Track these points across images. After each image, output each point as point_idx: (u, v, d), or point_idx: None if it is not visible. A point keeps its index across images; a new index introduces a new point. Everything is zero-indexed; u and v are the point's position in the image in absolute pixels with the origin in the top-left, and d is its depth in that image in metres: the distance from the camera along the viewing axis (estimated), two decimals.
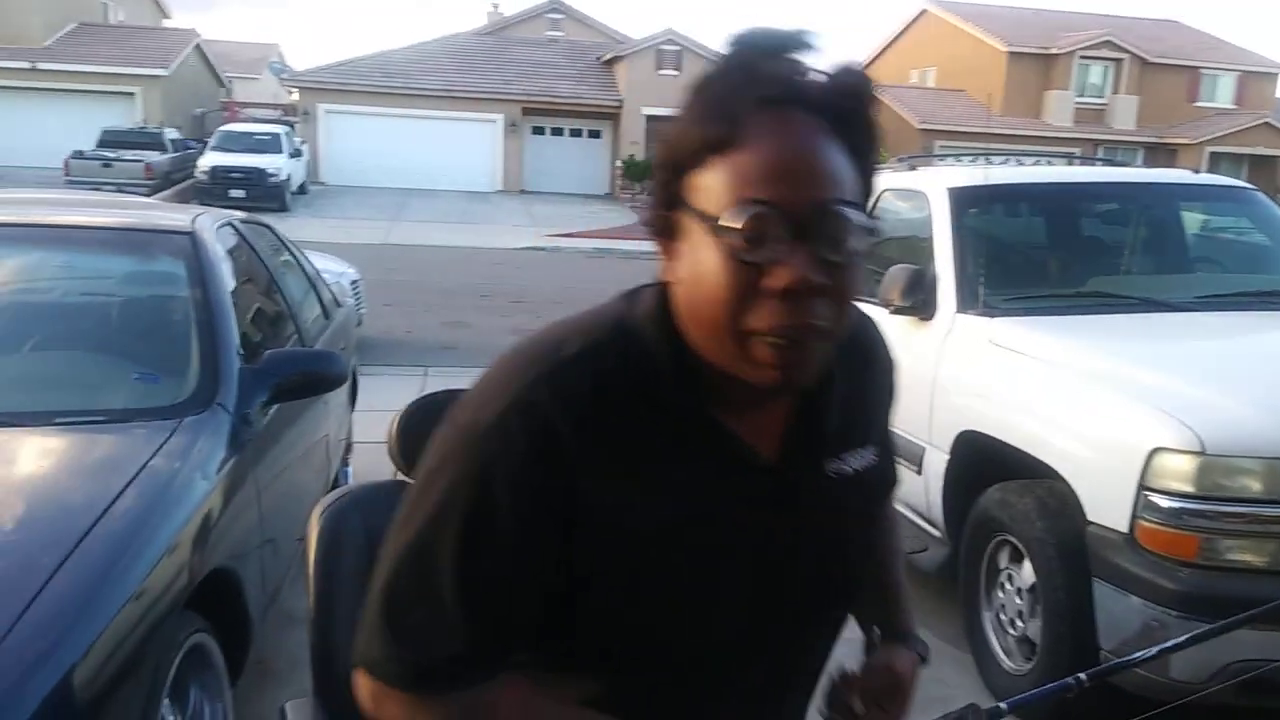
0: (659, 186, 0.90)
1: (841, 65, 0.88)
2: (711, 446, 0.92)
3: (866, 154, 0.88)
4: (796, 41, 0.87)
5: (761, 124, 0.83)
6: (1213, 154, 31.79)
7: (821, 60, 0.87)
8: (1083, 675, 1.14)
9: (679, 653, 0.94)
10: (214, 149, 23.13)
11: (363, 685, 0.93)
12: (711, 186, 0.84)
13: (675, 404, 0.90)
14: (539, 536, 0.88)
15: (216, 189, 21.00)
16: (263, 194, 21.39)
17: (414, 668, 0.90)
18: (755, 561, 0.95)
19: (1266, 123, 32.58)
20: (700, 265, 0.85)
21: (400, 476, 1.65)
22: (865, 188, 0.89)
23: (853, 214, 0.83)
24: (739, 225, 0.81)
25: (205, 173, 22.00)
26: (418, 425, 1.88)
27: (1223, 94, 34.32)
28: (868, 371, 1.06)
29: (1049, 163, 5.66)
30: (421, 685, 0.90)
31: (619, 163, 29.59)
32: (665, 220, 0.90)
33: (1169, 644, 1.32)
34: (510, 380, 0.90)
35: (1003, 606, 3.23)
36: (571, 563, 0.89)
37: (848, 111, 0.86)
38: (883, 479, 1.09)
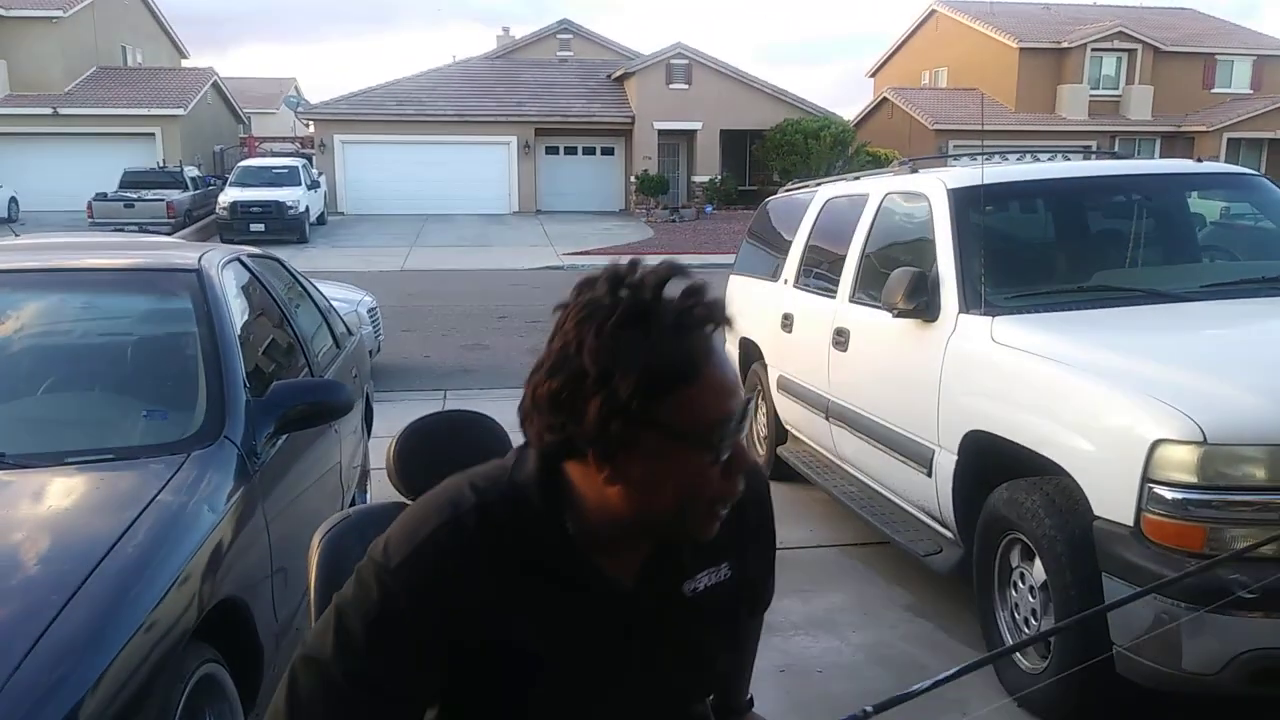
0: (614, 414, 1.00)
1: (696, 282, 1.06)
2: (580, 583, 1.11)
3: None
4: (677, 269, 1.06)
5: (715, 353, 1.03)
6: (1231, 140, 31.46)
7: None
8: (869, 708, 1.26)
9: None
10: (233, 185, 23.51)
11: None
12: (686, 407, 1.01)
13: (551, 555, 1.10)
14: (425, 658, 1.07)
15: (237, 224, 21.36)
16: (282, 226, 21.72)
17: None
18: (622, 670, 1.14)
19: None
20: (672, 471, 1.04)
21: (400, 499, 1.68)
22: None
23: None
24: (724, 440, 1.03)
25: (225, 208, 22.35)
26: (414, 449, 1.92)
27: (1239, 79, 33.98)
28: (752, 518, 1.28)
29: (1065, 158, 5.65)
30: None
31: (633, 178, 29.71)
32: (608, 440, 1.02)
33: (949, 672, 1.39)
34: (417, 529, 1.10)
35: (1016, 605, 3.22)
36: (459, 679, 1.09)
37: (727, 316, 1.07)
38: (743, 593, 1.28)
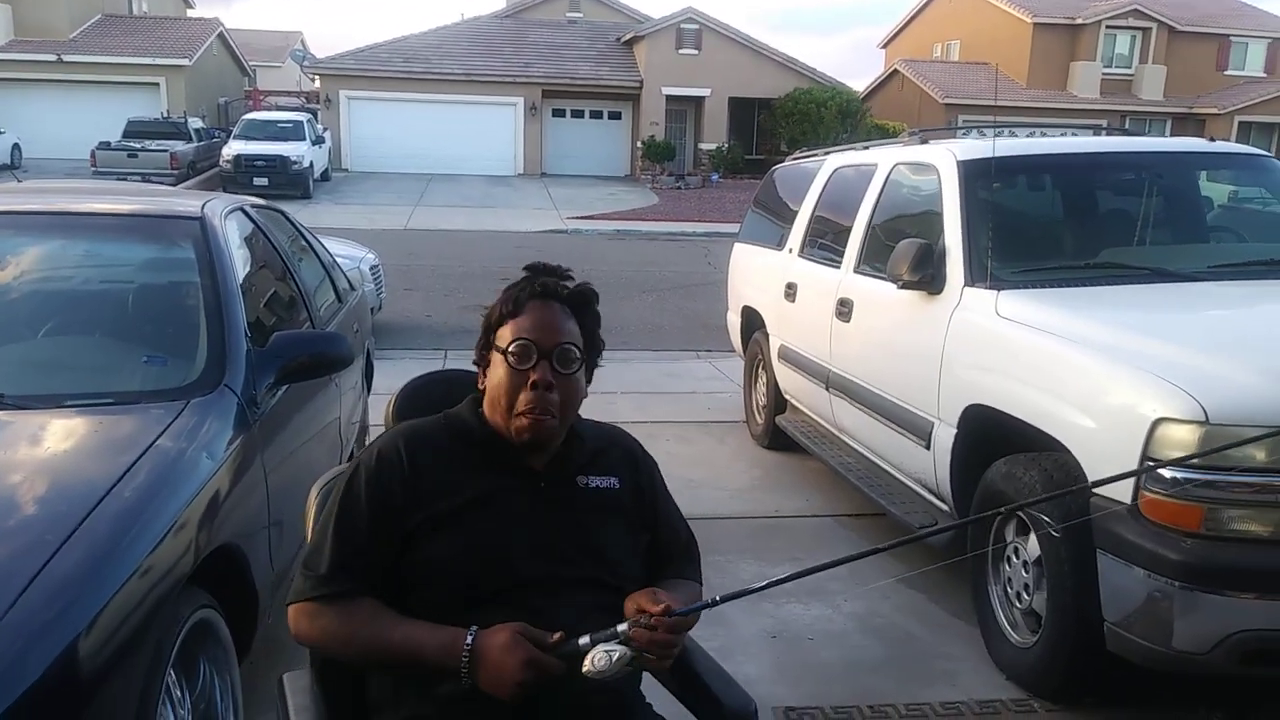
0: (481, 339, 1.70)
1: (580, 283, 1.72)
2: (501, 463, 1.66)
3: (591, 326, 1.71)
4: (562, 271, 1.72)
5: (533, 306, 1.65)
6: (1242, 123, 31.23)
7: (572, 281, 1.72)
8: (717, 598, 1.53)
9: (483, 585, 1.56)
10: (238, 137, 23.34)
11: (289, 616, 1.60)
12: (505, 334, 1.65)
13: (478, 442, 1.67)
14: (382, 507, 1.59)
15: (241, 177, 21.21)
16: (286, 181, 21.58)
17: (311, 581, 1.58)
18: (529, 528, 1.62)
19: None
20: (496, 375, 1.65)
21: None
22: (589, 343, 1.70)
23: (573, 349, 1.65)
24: (514, 350, 1.62)
25: (229, 161, 22.21)
26: (412, 406, 1.93)
27: (1253, 62, 33.67)
28: (627, 454, 1.81)
29: (1074, 134, 5.60)
30: (316, 592, 1.56)
31: (639, 143, 29.52)
32: (482, 357, 1.70)
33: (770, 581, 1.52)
34: (385, 436, 1.71)
35: (1009, 580, 3.23)
36: (407, 526, 1.59)
37: (581, 303, 1.70)
38: (626, 502, 1.74)
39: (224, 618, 2.24)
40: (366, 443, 4.92)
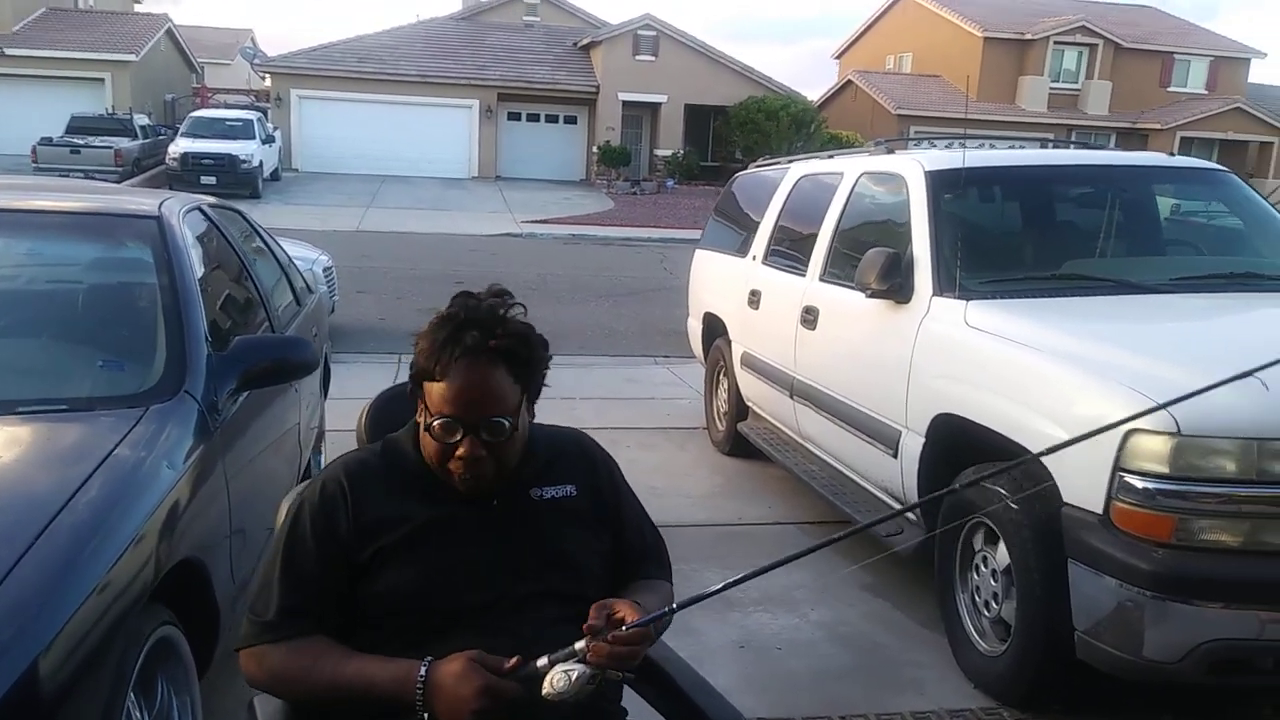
0: (412, 377, 1.59)
1: (516, 323, 1.58)
2: (440, 487, 1.59)
3: (527, 372, 1.59)
4: (494, 309, 1.57)
5: (458, 370, 1.52)
6: (1184, 139, 32.03)
7: (509, 303, 1.60)
8: (674, 605, 1.49)
9: (439, 613, 1.51)
10: (185, 135, 22.84)
11: (240, 661, 1.54)
12: (430, 396, 1.56)
13: (416, 474, 1.61)
14: (329, 544, 1.55)
15: (188, 175, 20.76)
16: (235, 180, 21.15)
17: (259, 625, 1.53)
18: (482, 549, 1.57)
19: (1238, 107, 32.87)
20: (426, 430, 1.57)
21: None
22: (525, 389, 1.59)
23: (501, 422, 1.54)
24: (437, 426, 1.54)
25: (176, 159, 21.74)
26: (386, 414, 1.87)
27: (1195, 79, 34.58)
28: (583, 457, 1.75)
29: (1022, 148, 5.67)
30: (264, 635, 1.52)
31: (595, 149, 29.48)
32: (414, 395, 1.61)
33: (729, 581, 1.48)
34: (326, 470, 1.65)
35: (977, 589, 3.23)
36: (356, 561, 1.55)
37: (514, 350, 1.56)
38: (584, 507, 1.68)
39: (185, 634, 2.15)
40: (322, 450, 4.85)
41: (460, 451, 1.53)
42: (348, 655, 1.49)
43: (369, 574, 1.54)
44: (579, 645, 1.41)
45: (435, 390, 1.54)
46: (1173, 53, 34.30)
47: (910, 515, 3.76)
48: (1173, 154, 4.67)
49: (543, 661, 1.41)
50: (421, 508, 1.57)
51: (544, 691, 1.38)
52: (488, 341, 1.53)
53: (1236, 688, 2.99)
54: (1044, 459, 2.85)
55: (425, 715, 1.41)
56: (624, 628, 1.41)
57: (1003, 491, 2.96)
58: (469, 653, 1.42)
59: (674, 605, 1.49)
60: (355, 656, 1.49)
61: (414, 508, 1.57)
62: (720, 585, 1.48)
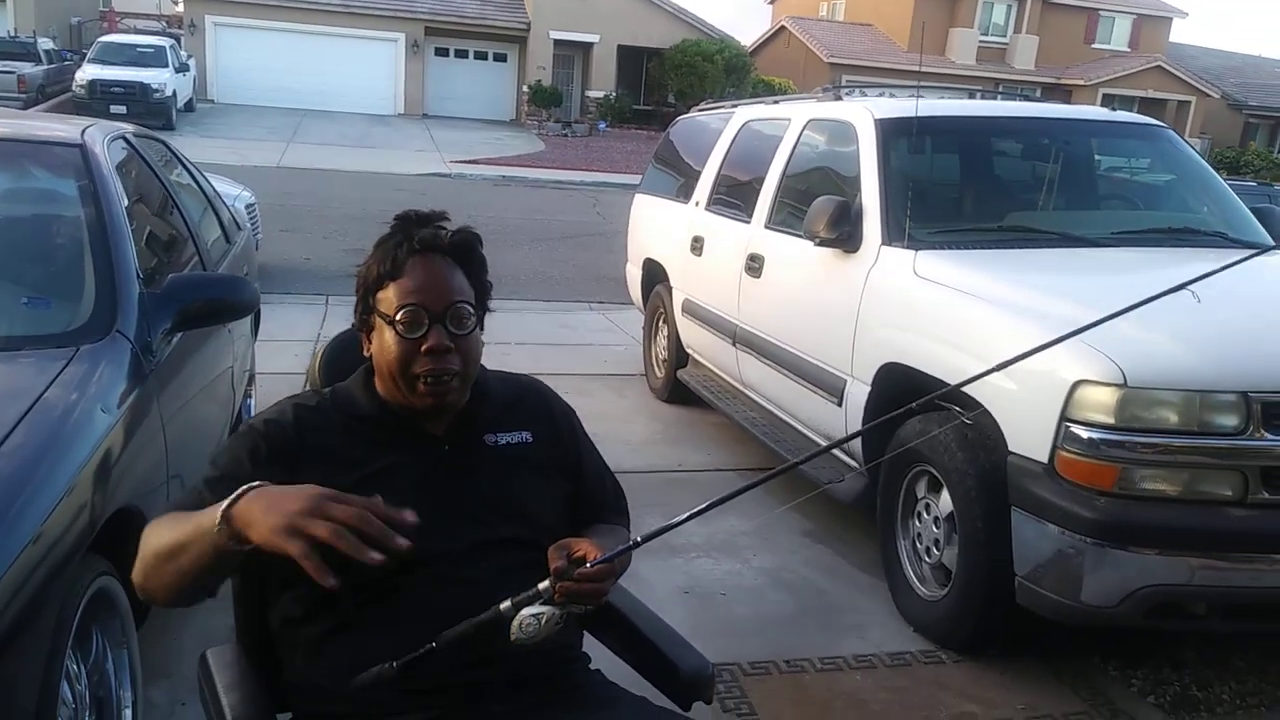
0: (359, 302, 1.54)
1: (460, 228, 1.56)
2: (397, 436, 1.53)
3: (479, 274, 1.57)
4: (437, 216, 1.55)
5: (415, 264, 1.49)
6: (1106, 95, 32.68)
7: (449, 225, 1.55)
8: (639, 538, 1.44)
9: (388, 565, 1.27)
10: (93, 61, 21.71)
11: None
12: (387, 300, 1.50)
13: (366, 419, 1.54)
14: (267, 469, 1.40)
15: (96, 104, 19.73)
16: (146, 110, 20.11)
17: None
18: (433, 497, 1.47)
19: (1159, 66, 33.59)
20: (383, 344, 1.50)
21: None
22: (479, 293, 1.55)
23: (467, 307, 1.51)
24: (403, 318, 1.47)
25: (84, 86, 20.66)
26: (341, 359, 1.79)
27: (1119, 36, 35.24)
28: (540, 405, 1.71)
29: (949, 98, 5.66)
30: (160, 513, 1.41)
31: (525, 88, 28.89)
32: (364, 322, 1.55)
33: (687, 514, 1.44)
34: (273, 407, 1.56)
35: (919, 535, 3.29)
36: None
37: (466, 251, 1.55)
38: (541, 455, 1.64)
39: (123, 584, 2.06)
40: (252, 394, 4.70)
41: (427, 344, 1.46)
42: (173, 520, 1.34)
43: None
44: (542, 586, 1.37)
45: (393, 290, 1.48)
46: (1098, 10, 34.83)
47: (853, 463, 3.79)
48: (1114, 108, 4.73)
49: (506, 605, 1.36)
50: (370, 455, 1.50)
51: (513, 636, 1.35)
52: (440, 238, 1.52)
53: (1169, 631, 3.10)
54: (991, 409, 2.91)
55: (236, 545, 1.24)
56: (588, 564, 1.38)
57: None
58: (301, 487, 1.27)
59: (638, 539, 1.45)
60: (179, 520, 1.32)
61: (363, 456, 1.49)
62: (684, 516, 1.44)
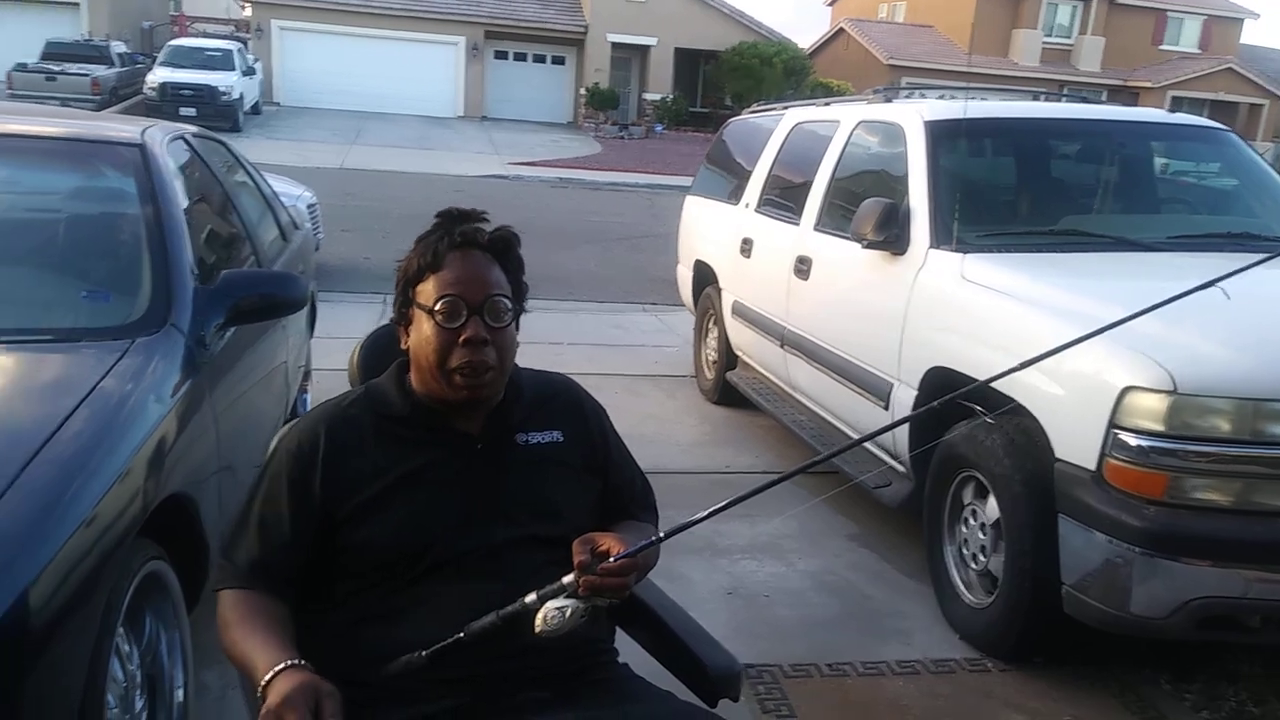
0: (398, 296, 1.58)
1: (500, 226, 1.60)
2: (431, 433, 1.56)
3: (516, 271, 1.60)
4: (477, 215, 1.58)
5: (454, 257, 1.53)
6: (1175, 98, 31.91)
7: (488, 224, 1.59)
8: (662, 534, 1.50)
9: (418, 563, 1.48)
10: (163, 64, 22.32)
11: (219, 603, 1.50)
12: (426, 293, 1.53)
13: (400, 418, 1.57)
14: (304, 501, 1.51)
15: (166, 106, 20.27)
16: (214, 113, 20.65)
17: (224, 570, 1.52)
18: (465, 495, 1.53)
19: (1230, 68, 32.71)
20: (422, 335, 1.53)
21: None
22: (515, 291, 1.58)
23: (504, 300, 1.54)
24: (442, 308, 1.50)
25: (154, 89, 21.25)
26: (377, 353, 1.82)
27: (1188, 38, 34.37)
28: (571, 404, 1.72)
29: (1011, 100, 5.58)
30: (226, 581, 1.51)
31: (583, 91, 29.06)
32: (402, 315, 1.58)
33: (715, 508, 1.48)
34: (304, 421, 1.60)
35: (965, 541, 3.25)
36: (335, 517, 1.50)
37: (504, 248, 1.58)
38: (572, 454, 1.66)
39: (173, 568, 2.12)
40: (308, 389, 4.80)
41: (465, 335, 1.49)
42: (256, 628, 1.42)
43: (348, 528, 1.50)
44: (567, 580, 1.39)
45: (433, 282, 1.51)
46: (1166, 10, 34.02)
47: (900, 468, 3.76)
48: (1172, 110, 4.62)
49: (531, 598, 1.39)
50: (404, 455, 1.53)
51: (537, 629, 1.37)
52: (480, 234, 1.56)
53: (1221, 643, 3.02)
54: (1037, 415, 2.87)
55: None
56: (612, 558, 1.40)
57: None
58: (313, 681, 1.30)
59: (661, 534, 1.49)
60: (259, 631, 1.41)
61: (396, 456, 1.53)
62: (705, 513, 1.47)
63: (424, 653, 1.40)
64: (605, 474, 1.71)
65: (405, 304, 1.56)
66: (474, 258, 1.54)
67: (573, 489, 1.64)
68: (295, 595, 1.51)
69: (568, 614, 1.37)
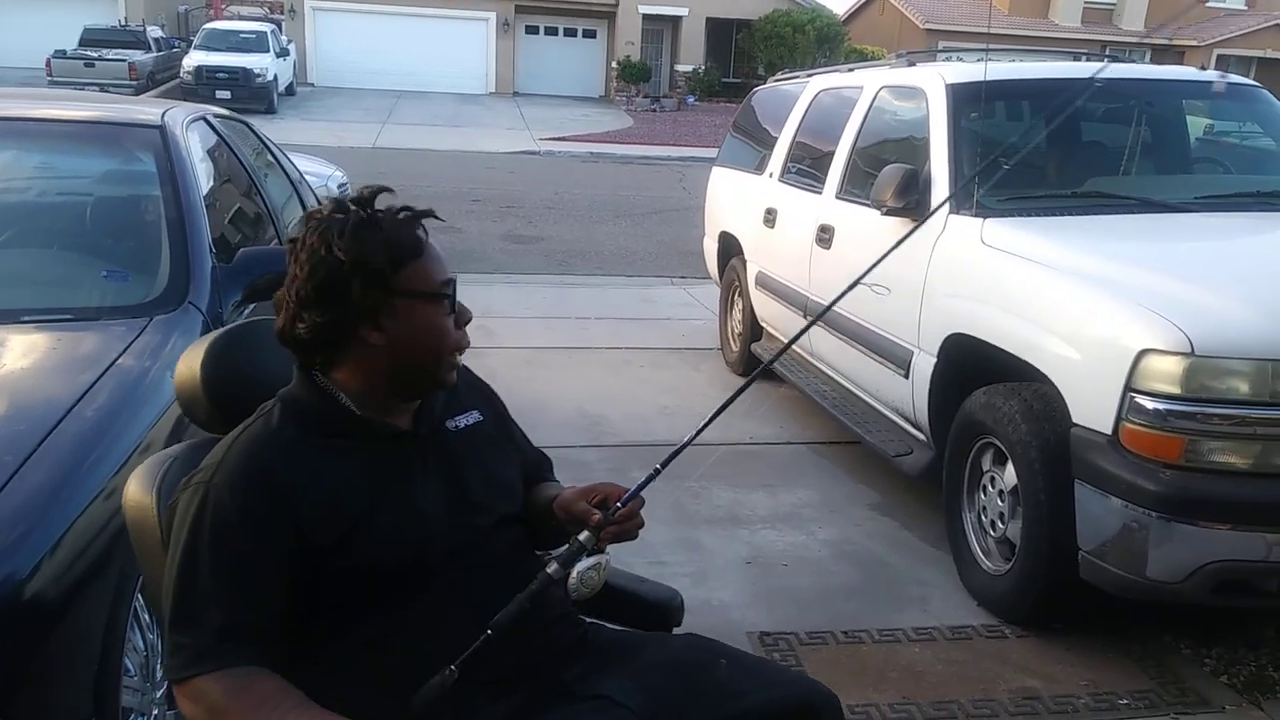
0: (356, 289, 1.34)
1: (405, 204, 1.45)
2: (368, 438, 1.42)
3: None
4: (388, 189, 1.46)
5: (423, 240, 1.41)
6: (1221, 56, 31.05)
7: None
8: (658, 465, 1.51)
9: (415, 572, 1.37)
10: (198, 48, 22.56)
11: (179, 699, 1.26)
12: (420, 276, 1.39)
13: (336, 427, 1.40)
14: (275, 532, 1.30)
15: (202, 89, 20.51)
16: (249, 95, 20.89)
17: (190, 652, 1.24)
18: (427, 495, 1.43)
19: (1278, 24, 31.74)
20: (424, 324, 1.40)
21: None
22: None
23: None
24: (451, 290, 1.42)
25: (190, 73, 21.50)
26: (235, 359, 1.59)
27: None
28: (471, 382, 1.64)
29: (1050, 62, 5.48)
30: (202, 664, 1.23)
31: (614, 64, 28.90)
32: (369, 310, 1.36)
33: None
34: (231, 466, 1.33)
35: (984, 508, 3.24)
36: (315, 544, 1.31)
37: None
38: (494, 432, 1.62)
39: None
40: None
41: (468, 317, 1.47)
42: (289, 709, 1.24)
43: (341, 549, 1.32)
44: (583, 537, 1.41)
45: (422, 270, 1.39)
46: None
47: (920, 436, 3.75)
48: (1203, 68, 4.51)
49: (554, 568, 1.38)
50: (362, 462, 1.39)
51: (574, 594, 1.39)
52: (423, 213, 1.46)
53: (1238, 609, 3.00)
54: (1054, 379, 2.84)
55: None
56: (620, 503, 1.43)
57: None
58: None
59: (658, 466, 1.50)
60: (294, 709, 1.24)
61: (356, 464, 1.39)
62: (691, 435, 1.56)
63: (453, 666, 1.28)
64: (516, 444, 1.69)
65: (379, 296, 1.35)
66: (428, 236, 1.45)
67: (511, 462, 1.62)
68: (283, 653, 1.30)
69: (601, 569, 1.40)
